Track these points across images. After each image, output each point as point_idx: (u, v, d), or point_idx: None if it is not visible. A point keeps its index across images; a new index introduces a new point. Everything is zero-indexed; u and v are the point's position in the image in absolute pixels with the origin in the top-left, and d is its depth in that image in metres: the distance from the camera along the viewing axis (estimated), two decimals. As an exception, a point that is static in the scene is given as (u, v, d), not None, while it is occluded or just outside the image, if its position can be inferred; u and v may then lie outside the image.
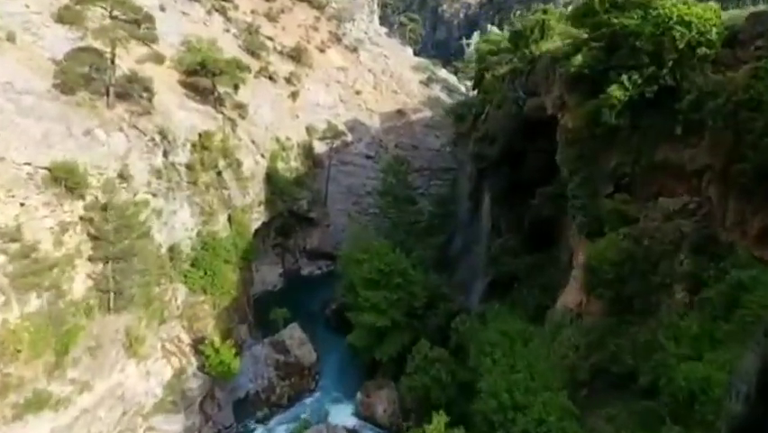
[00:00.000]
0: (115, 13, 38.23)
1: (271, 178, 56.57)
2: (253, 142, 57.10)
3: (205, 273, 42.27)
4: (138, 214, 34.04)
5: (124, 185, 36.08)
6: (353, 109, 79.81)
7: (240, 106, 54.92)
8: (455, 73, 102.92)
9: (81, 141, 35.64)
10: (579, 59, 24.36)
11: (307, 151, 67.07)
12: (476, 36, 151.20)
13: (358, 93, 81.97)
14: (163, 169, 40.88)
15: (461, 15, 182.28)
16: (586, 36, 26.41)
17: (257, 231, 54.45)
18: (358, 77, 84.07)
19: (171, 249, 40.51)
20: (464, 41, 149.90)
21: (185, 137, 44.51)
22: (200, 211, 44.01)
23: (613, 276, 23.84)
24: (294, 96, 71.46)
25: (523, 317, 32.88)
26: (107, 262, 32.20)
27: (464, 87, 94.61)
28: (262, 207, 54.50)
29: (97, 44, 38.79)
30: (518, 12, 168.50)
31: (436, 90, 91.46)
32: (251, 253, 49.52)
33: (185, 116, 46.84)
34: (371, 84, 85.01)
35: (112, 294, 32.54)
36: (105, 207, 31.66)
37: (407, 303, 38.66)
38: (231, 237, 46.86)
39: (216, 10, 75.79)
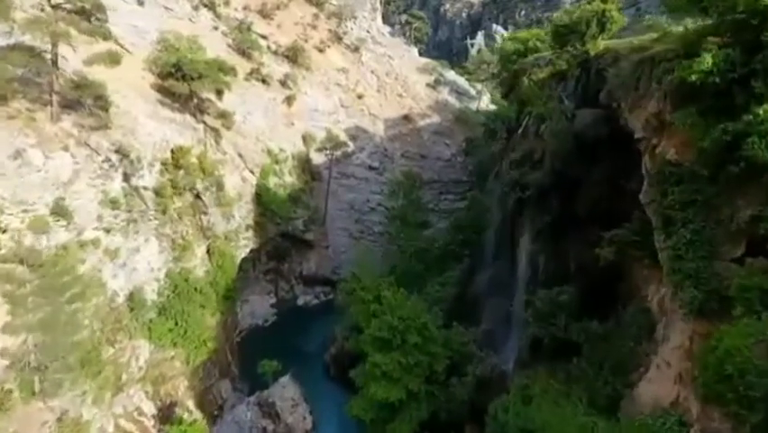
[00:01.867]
0: (57, 0, 29.28)
1: (262, 196, 47.67)
2: (240, 155, 48.20)
3: (176, 323, 33.43)
4: (74, 268, 25.05)
5: (63, 223, 27.19)
6: (355, 115, 70.78)
7: (224, 115, 45.94)
8: (463, 75, 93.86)
9: (6, 166, 26.75)
10: (707, 61, 15.71)
11: (304, 163, 58.10)
12: (480, 36, 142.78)
13: (360, 97, 72.92)
14: (122, 197, 31.98)
15: (464, 15, 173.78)
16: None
17: (245, 258, 45.71)
18: (360, 79, 75.03)
19: (131, 297, 31.68)
20: (468, 42, 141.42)
21: (153, 155, 35.59)
22: (171, 245, 35.13)
23: (757, 385, 15.27)
24: (289, 100, 62.45)
25: (583, 401, 24.21)
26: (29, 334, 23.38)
27: (474, 90, 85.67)
28: (251, 233, 45.62)
29: (36, 41, 29.87)
30: (523, 11, 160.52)
31: (444, 93, 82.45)
32: (236, 290, 40.64)
33: (155, 128, 37.89)
34: (375, 87, 75.98)
35: (36, 376, 23.71)
36: (22, 260, 22.79)
37: (427, 367, 30.04)
38: (210, 273, 37.99)
39: (204, 5, 66.74)
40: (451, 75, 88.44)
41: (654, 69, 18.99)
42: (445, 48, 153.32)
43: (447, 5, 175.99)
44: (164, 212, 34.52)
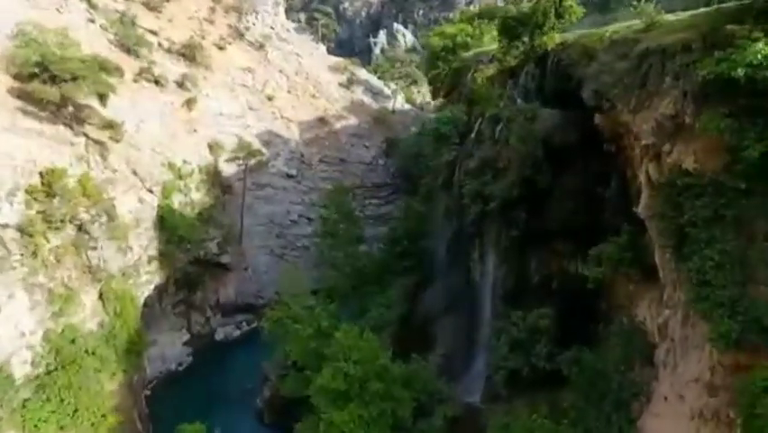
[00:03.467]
0: None
1: (166, 220, 39.79)
2: (135, 172, 39.86)
3: (62, 400, 25.47)
4: None
5: None
6: (266, 118, 63.88)
7: (111, 125, 37.44)
8: (374, 73, 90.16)
9: None
10: (761, 49, 12.60)
11: (213, 175, 50.45)
12: (382, 35, 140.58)
13: (270, 99, 66.07)
14: (-32, 241, 23.48)
15: (363, 14, 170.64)
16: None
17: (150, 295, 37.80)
18: (268, 79, 68.08)
19: (-8, 376, 23.39)
20: (371, 40, 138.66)
21: (14, 181, 27.05)
22: (47, 297, 26.94)
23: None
24: (189, 104, 54.18)
25: (579, 442, 21.04)
26: None
27: (388, 89, 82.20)
28: (154, 265, 37.75)
29: None
30: (421, 11, 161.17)
31: (359, 93, 77.98)
32: (142, 340, 32.90)
33: (16, 146, 29.13)
34: (285, 87, 69.45)
35: None
36: None
37: (391, 415, 25.35)
38: (106, 325, 30.08)
39: (75, -7, 56.12)
40: (363, 74, 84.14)
41: (668, 63, 15.99)
42: (347, 47, 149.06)
43: (346, 4, 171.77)
44: (34, 255, 26.27)
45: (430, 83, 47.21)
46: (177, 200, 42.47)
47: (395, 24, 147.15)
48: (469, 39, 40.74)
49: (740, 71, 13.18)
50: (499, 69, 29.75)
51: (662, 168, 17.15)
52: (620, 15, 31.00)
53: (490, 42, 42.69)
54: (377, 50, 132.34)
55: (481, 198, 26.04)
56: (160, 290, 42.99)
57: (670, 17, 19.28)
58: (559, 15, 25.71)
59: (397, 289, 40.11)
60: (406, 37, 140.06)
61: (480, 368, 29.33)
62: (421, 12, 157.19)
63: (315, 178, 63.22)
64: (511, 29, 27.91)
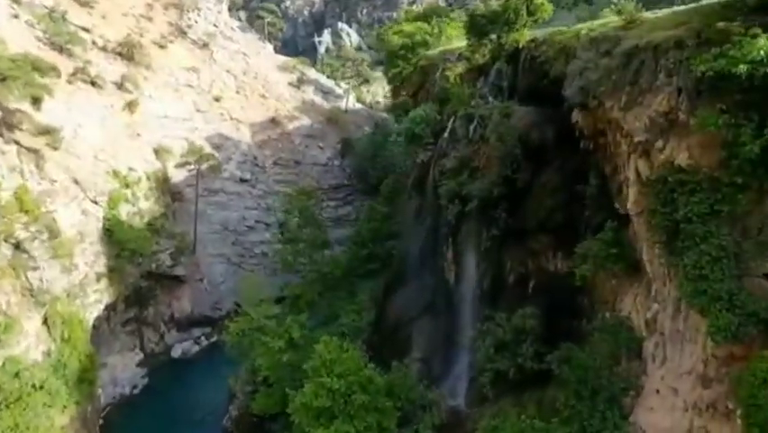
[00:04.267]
0: None
1: (114, 232, 36.62)
2: (77, 182, 36.37)
3: (7, 443, 22.51)
4: None
5: None
6: (214, 120, 60.83)
7: (48, 131, 33.92)
8: (324, 73, 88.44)
9: None
10: (763, 45, 12.52)
11: (162, 182, 47.23)
12: (327, 34, 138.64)
13: (217, 99, 62.99)
14: None
15: (306, 13, 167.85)
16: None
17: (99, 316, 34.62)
18: (215, 79, 64.90)
19: None
20: (316, 39, 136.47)
21: (-64, 197, 23.64)
22: (-16, 328, 23.75)
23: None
24: (131, 106, 50.48)
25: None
26: None
27: (340, 88, 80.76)
28: (103, 283, 34.62)
29: None
30: (364, 10, 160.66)
31: (310, 93, 76.08)
32: (93, 369, 29.92)
33: (-64, 156, 25.54)
34: (233, 88, 66.47)
35: None
36: None
37: (377, 428, 24.25)
38: (53, 354, 27.05)
39: (-5, -14, 50.88)
40: (313, 73, 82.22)
41: (660, 59, 15.90)
42: (291, 46, 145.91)
43: (288, 2, 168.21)
44: (-34, 280, 23.06)
45: (390, 82, 46.32)
46: (124, 211, 39.26)
47: (339, 24, 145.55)
48: (428, 37, 40.19)
49: (742, 67, 13.16)
50: (468, 67, 29.30)
51: (652, 164, 17.15)
52: (580, 13, 31.45)
53: (450, 41, 42.48)
54: (322, 50, 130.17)
55: (459, 199, 25.44)
56: (109, 309, 39.67)
57: (648, 15, 19.42)
58: (530, 13, 25.57)
59: (367, 293, 39.04)
60: (351, 36, 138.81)
61: (461, 370, 28.79)
62: (365, 11, 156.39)
63: (270, 181, 60.96)
64: (480, 26, 27.50)
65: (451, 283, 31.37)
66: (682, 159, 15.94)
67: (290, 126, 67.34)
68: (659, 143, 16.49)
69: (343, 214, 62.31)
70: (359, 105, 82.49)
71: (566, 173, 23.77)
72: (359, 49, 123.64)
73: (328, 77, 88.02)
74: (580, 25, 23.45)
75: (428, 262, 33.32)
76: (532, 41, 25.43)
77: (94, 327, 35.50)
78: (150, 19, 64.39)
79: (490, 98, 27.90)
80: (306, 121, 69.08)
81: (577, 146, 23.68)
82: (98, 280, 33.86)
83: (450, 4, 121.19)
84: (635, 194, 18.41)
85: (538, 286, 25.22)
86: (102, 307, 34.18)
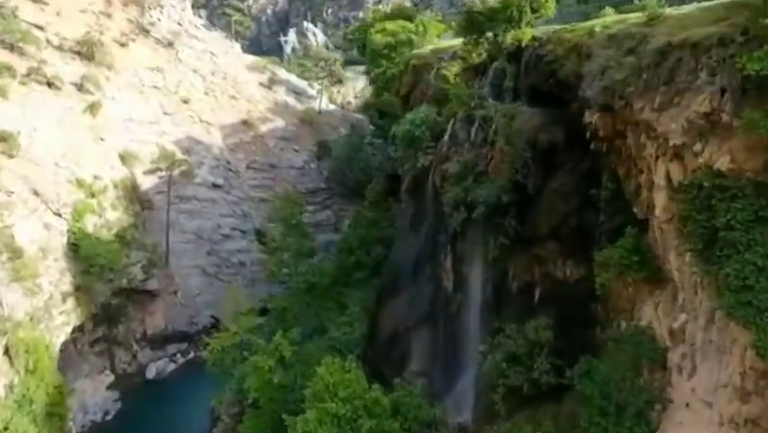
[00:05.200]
0: None
1: (81, 247, 33.48)
2: (36, 193, 33.00)
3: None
4: None
5: None
6: (184, 123, 57.55)
7: (3, 137, 30.52)
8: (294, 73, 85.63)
9: None
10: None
11: (130, 190, 43.99)
12: (292, 34, 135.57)
13: (186, 101, 59.64)
14: None
15: (269, 11, 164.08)
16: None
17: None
18: (181, 80, 61.52)
19: None
20: (282, 39, 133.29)
21: None
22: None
23: None
24: (93, 109, 46.93)
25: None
26: None
27: (312, 89, 78.31)
28: (70, 302, 31.51)
29: None
30: (330, 9, 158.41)
31: (282, 94, 73.39)
32: (63, 401, 26.92)
33: None
34: (201, 89, 63.20)
35: None
36: None
37: (384, 452, 22.58)
38: (17, 387, 24.02)
39: (-66, -21, 46.50)
40: (283, 73, 79.45)
41: (701, 57, 14.86)
42: (255, 45, 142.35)
43: (251, 1, 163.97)
44: None
45: (372, 82, 44.58)
46: (90, 223, 36.06)
47: (305, 23, 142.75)
48: (413, 36, 38.70)
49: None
50: (464, 66, 27.92)
51: (686, 168, 16.16)
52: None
53: (432, 39, 41.13)
54: (288, 49, 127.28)
55: (465, 205, 24.01)
56: (77, 330, 36.35)
57: (671, 11, 18.51)
58: (534, 10, 24.41)
59: (357, 303, 37.20)
60: (317, 36, 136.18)
61: (466, 384, 27.38)
62: (330, 11, 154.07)
63: (245, 186, 58.21)
64: (478, 24, 26.16)
65: (449, 292, 29.96)
66: (723, 163, 14.96)
67: (263, 128, 64.64)
68: (697, 147, 15.46)
69: (322, 219, 60.21)
70: (332, 107, 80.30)
71: (577, 177, 22.69)
72: (326, 48, 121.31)
73: (298, 76, 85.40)
74: (589, 22, 22.38)
75: (424, 271, 31.83)
76: (536, 39, 24.23)
77: (60, 350, 32.38)
78: (109, 16, 60.43)
79: (490, 99, 26.57)
80: (279, 123, 66.49)
81: (587, 148, 22.66)
82: (64, 300, 30.73)
83: (416, 5, 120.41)
84: (664, 199, 17.36)
85: (546, 294, 24.04)
86: (69, 330, 31.04)
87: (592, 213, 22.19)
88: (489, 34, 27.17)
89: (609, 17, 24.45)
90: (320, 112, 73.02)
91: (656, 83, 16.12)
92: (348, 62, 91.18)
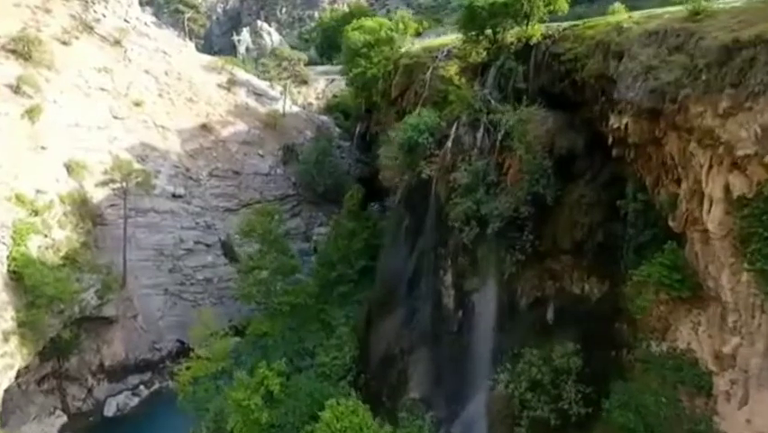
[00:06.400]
0: None
1: (23, 275, 28.62)
2: (-32, 214, 27.92)
3: None
4: None
5: None
6: (136, 128, 52.24)
7: None
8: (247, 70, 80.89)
9: None
10: None
11: (79, 205, 38.91)
12: (246, 33, 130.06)
13: (138, 104, 54.19)
14: None
15: (219, 9, 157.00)
16: None
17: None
18: (132, 81, 55.90)
19: None
20: (235, 38, 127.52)
21: None
22: None
23: None
24: (32, 114, 41.25)
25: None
26: None
27: (274, 90, 73.97)
28: (13, 342, 26.78)
29: None
30: (284, 8, 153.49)
31: (242, 96, 68.59)
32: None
33: None
34: (155, 91, 57.77)
35: None
36: None
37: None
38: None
39: None
40: (242, 74, 74.64)
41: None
42: (206, 44, 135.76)
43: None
44: None
45: (350, 83, 41.48)
46: (35, 245, 31.14)
47: (258, 22, 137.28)
48: (394, 33, 35.97)
49: None
50: (463, 65, 25.45)
51: (751, 181, 14.32)
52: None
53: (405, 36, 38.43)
54: (241, 49, 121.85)
55: (476, 219, 21.53)
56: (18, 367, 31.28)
57: (717, 5, 16.72)
58: (547, 4, 22.23)
59: (342, 322, 34.14)
60: (272, 35, 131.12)
61: (476, 413, 24.91)
62: (284, 9, 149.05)
63: (207, 195, 53.57)
64: (480, 20, 23.74)
65: (450, 310, 27.51)
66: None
67: (224, 133, 59.95)
68: (756, 147, 13.59)
69: (292, 227, 56.30)
70: (295, 108, 76.32)
71: (600, 186, 20.70)
72: (275, 48, 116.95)
73: (258, 77, 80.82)
74: (612, 18, 20.38)
75: (420, 287, 29.23)
76: (548, 36, 22.06)
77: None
78: (48, 11, 54.08)
79: (492, 101, 24.22)
80: (241, 126, 61.96)
81: (607, 155, 20.73)
82: (6, 339, 26.00)
83: (371, 5, 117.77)
84: (720, 213, 15.48)
85: (564, 313, 21.99)
86: (13, 374, 26.32)
87: (619, 226, 20.22)
88: (489, 31, 24.82)
89: (621, 12, 22.66)
90: (284, 114, 68.95)
91: (720, 85, 14.16)
92: (308, 63, 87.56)
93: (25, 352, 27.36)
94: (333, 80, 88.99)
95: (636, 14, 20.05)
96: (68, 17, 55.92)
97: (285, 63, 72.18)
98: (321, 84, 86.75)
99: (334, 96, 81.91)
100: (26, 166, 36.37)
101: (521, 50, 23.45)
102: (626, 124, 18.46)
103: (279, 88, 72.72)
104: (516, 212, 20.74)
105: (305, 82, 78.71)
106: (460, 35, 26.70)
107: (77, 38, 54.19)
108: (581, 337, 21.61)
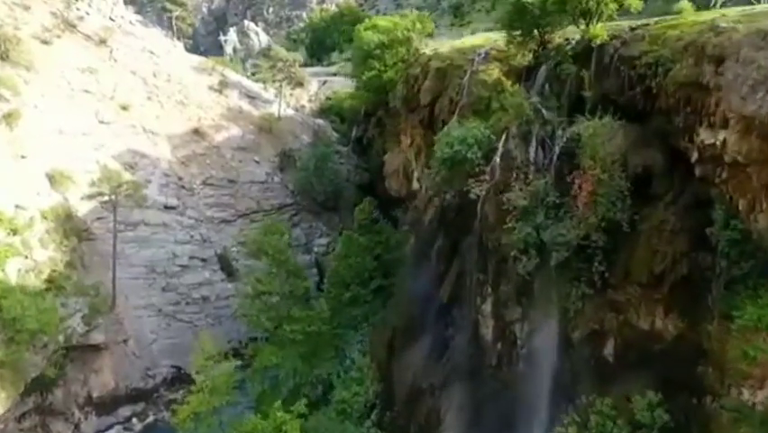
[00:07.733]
0: None
1: (2, 306, 24.58)
2: (-66, 237, 23.76)
3: None
4: None
5: None
6: (124, 133, 48.10)
7: None
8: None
9: None
10: None
11: (64, 220, 34.78)
12: (233, 33, 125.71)
13: (125, 108, 50.03)
14: None
15: (205, 9, 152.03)
16: None
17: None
18: (119, 82, 51.68)
19: None
20: (222, 38, 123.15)
21: None
22: None
23: None
24: (10, 119, 37.02)
25: None
26: None
27: (268, 92, 70.14)
28: (-10, 387, 22.70)
29: None
30: (271, 8, 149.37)
31: (235, 98, 64.58)
32: None
33: None
34: (143, 93, 53.58)
35: None
36: None
37: None
38: None
39: None
40: (234, 75, 70.60)
41: None
42: (192, 45, 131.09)
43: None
44: None
45: (365, 87, 38.12)
46: (14, 269, 27.10)
47: (245, 22, 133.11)
48: (411, 33, 32.78)
49: None
50: (505, 69, 22.39)
51: None
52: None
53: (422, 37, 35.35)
54: (228, 49, 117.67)
55: (536, 248, 18.49)
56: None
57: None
58: (617, 1, 19.28)
59: (358, 348, 30.85)
60: (259, 35, 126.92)
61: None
62: (271, 9, 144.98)
63: (201, 206, 49.60)
64: (529, 18, 20.71)
65: (488, 341, 24.43)
66: None
67: (218, 138, 56.00)
68: None
69: (292, 239, 52.63)
70: (290, 111, 72.56)
71: (682, 210, 17.80)
72: (268, 48, 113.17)
73: (249, 78, 76.87)
74: (693, 16, 17.53)
75: (453, 314, 26.07)
76: (615, 36, 19.11)
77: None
78: (27, 8, 49.71)
79: (543, 111, 21.19)
80: (235, 131, 58.03)
81: (688, 174, 17.87)
82: (-19, 384, 22.00)
83: (360, 5, 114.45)
84: None
85: (629, 350, 19.04)
86: (-10, 423, 22.36)
87: (708, 256, 17.34)
88: (536, 32, 21.80)
89: (688, 11, 19.86)
90: (279, 118, 65.19)
91: None
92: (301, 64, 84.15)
93: (3, 396, 23.41)
94: (325, 82, 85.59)
95: (731, 12, 17.26)
96: (48, 15, 51.49)
97: (279, 64, 68.32)
98: (313, 86, 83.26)
99: (328, 99, 78.19)
100: (4, 178, 32.18)
101: (579, 52, 20.51)
102: (724, 140, 15.58)
103: (273, 90, 68.96)
104: (587, 240, 17.76)
105: (300, 84, 74.90)
106: (498, 35, 23.61)
107: (58, 37, 49.85)
108: (660, 382, 18.67)
